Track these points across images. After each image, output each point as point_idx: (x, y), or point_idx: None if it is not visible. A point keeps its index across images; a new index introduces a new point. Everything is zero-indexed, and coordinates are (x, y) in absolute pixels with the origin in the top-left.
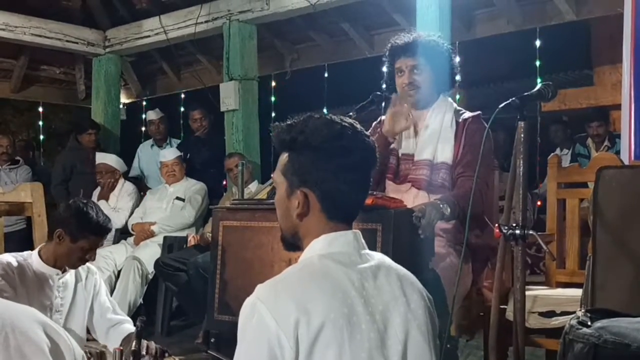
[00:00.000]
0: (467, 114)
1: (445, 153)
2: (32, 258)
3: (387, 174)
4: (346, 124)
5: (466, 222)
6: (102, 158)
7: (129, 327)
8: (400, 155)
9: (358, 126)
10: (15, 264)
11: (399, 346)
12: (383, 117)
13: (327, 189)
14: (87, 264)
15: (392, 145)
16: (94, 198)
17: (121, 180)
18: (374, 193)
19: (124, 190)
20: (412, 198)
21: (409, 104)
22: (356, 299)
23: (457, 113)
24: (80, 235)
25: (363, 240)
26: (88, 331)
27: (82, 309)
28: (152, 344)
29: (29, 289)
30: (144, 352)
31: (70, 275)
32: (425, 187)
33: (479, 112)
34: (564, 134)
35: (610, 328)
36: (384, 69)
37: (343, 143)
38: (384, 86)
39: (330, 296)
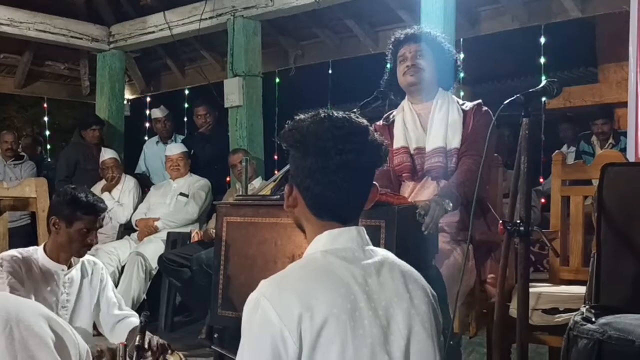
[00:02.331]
0: (470, 104)
1: (456, 139)
2: (37, 254)
3: (403, 173)
4: (341, 125)
5: (471, 210)
6: (110, 153)
7: (135, 320)
8: (412, 151)
9: (361, 127)
10: (21, 260)
11: (402, 342)
12: (379, 123)
13: (305, 187)
14: (93, 258)
15: (400, 144)
16: (96, 192)
17: (123, 175)
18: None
19: (126, 185)
20: (420, 187)
21: (408, 88)
22: (359, 295)
23: (459, 104)
24: (74, 217)
25: (367, 237)
26: (95, 327)
27: (88, 305)
28: (155, 339)
29: (36, 284)
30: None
31: (76, 271)
32: (442, 175)
33: (479, 100)
34: (574, 132)
35: (614, 324)
36: (387, 65)
37: (321, 144)
38: (382, 83)
39: (334, 292)
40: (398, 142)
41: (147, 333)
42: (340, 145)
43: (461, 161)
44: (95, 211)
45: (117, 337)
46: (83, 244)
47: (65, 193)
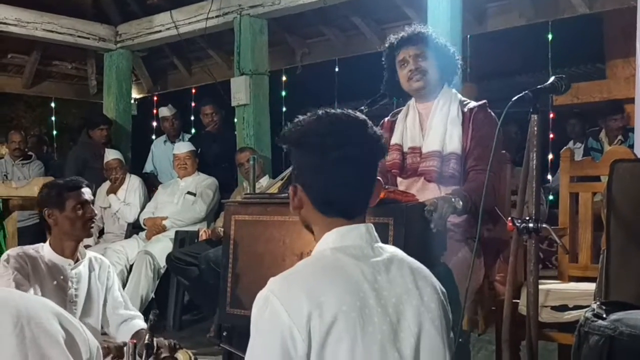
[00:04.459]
0: (473, 104)
1: (453, 143)
2: (44, 250)
3: (393, 170)
4: (339, 120)
5: (478, 216)
6: (113, 154)
7: (140, 323)
8: (406, 149)
9: (359, 121)
10: (27, 256)
11: (412, 339)
12: (386, 119)
13: (309, 185)
14: (100, 256)
15: (394, 141)
16: (102, 193)
17: (128, 175)
18: (386, 187)
19: (131, 185)
20: (422, 191)
21: (415, 93)
22: (368, 292)
23: (462, 103)
24: (62, 198)
25: (376, 234)
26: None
27: (97, 301)
28: (165, 340)
29: (42, 280)
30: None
31: (83, 266)
32: (436, 179)
33: (484, 101)
34: (582, 127)
35: (626, 320)
36: (384, 69)
37: (324, 140)
38: (382, 88)
39: (343, 289)
40: (393, 140)
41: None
42: (339, 139)
43: (470, 175)
44: (77, 185)
45: (121, 337)
46: (83, 219)
47: (45, 186)
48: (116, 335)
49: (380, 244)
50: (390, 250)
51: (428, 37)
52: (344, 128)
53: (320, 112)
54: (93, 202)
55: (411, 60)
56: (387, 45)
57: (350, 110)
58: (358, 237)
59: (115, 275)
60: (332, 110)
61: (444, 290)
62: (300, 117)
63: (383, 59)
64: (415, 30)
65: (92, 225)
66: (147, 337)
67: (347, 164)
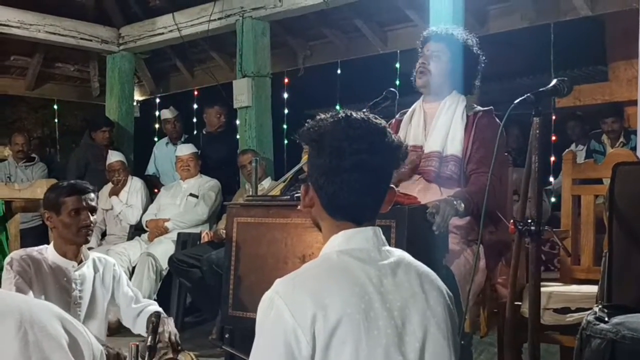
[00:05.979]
0: (478, 108)
1: (454, 146)
2: (47, 252)
3: None
4: (355, 125)
5: (480, 218)
6: (116, 156)
7: (153, 307)
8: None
9: (379, 128)
10: (30, 259)
11: (417, 343)
12: (394, 119)
13: (320, 186)
14: (104, 255)
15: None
16: (104, 195)
17: (130, 177)
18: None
19: (133, 187)
20: (421, 190)
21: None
22: (374, 295)
23: (468, 107)
24: (59, 203)
25: (383, 237)
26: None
27: (101, 303)
28: (167, 333)
29: (46, 282)
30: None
31: (87, 268)
32: (434, 179)
33: (490, 107)
34: (582, 130)
35: (627, 324)
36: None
37: (340, 144)
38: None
39: (348, 292)
40: None
41: (165, 323)
42: (354, 145)
43: (472, 179)
44: (76, 191)
45: (139, 329)
46: (78, 226)
47: (49, 188)
48: (134, 328)
49: (388, 247)
50: (398, 253)
51: (454, 38)
52: (362, 134)
53: (342, 114)
54: (95, 208)
55: (427, 54)
56: (420, 40)
57: (371, 115)
58: (365, 240)
59: (121, 271)
60: (354, 114)
61: (450, 294)
62: (323, 115)
63: (419, 50)
64: (446, 29)
65: (89, 232)
66: (149, 339)
67: (360, 171)
